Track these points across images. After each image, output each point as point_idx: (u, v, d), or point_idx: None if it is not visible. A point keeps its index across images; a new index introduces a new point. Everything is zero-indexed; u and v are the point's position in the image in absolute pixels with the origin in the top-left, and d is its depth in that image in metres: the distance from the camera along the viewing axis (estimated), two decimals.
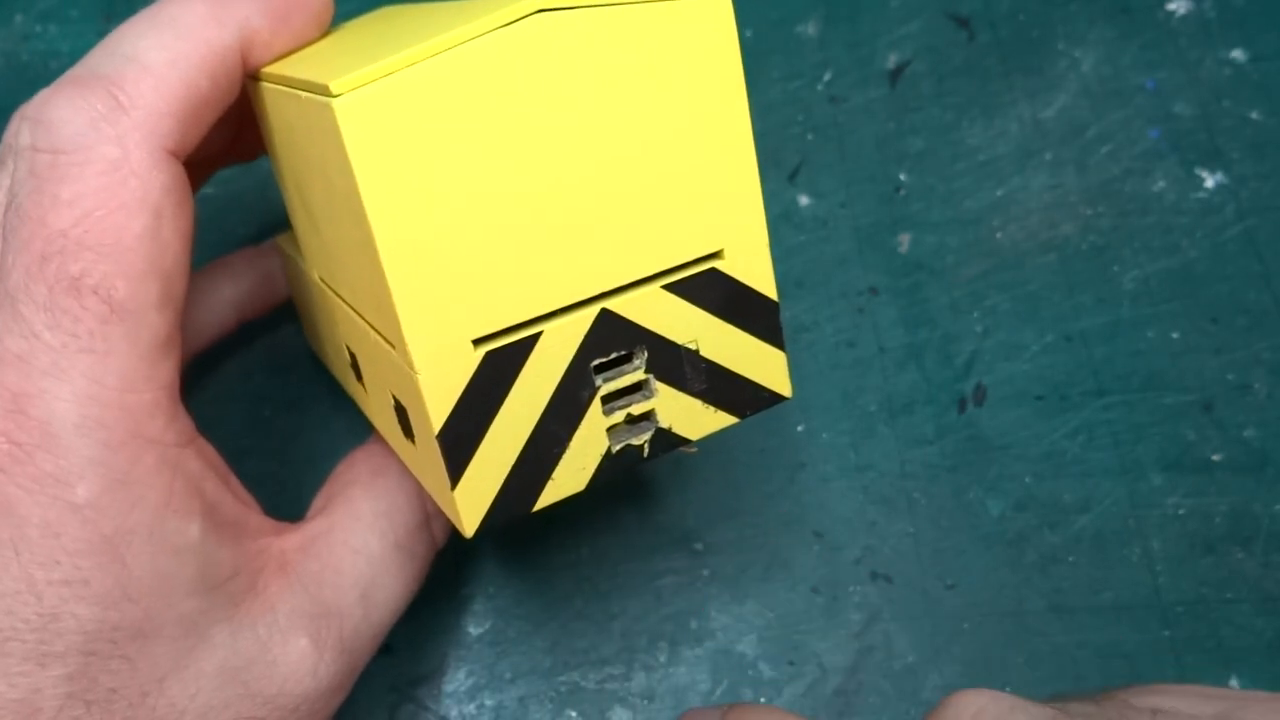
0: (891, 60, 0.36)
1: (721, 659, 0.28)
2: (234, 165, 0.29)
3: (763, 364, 0.22)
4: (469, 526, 0.20)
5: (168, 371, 0.21)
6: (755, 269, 0.21)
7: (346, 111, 0.17)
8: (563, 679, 0.28)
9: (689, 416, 0.22)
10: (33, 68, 0.35)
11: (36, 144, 0.20)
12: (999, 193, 0.34)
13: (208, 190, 0.31)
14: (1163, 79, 0.35)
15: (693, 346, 0.21)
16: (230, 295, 0.29)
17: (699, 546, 0.30)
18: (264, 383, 0.32)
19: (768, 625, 0.29)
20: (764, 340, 0.22)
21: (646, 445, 0.21)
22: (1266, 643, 0.28)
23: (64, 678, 0.19)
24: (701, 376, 0.22)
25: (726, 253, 0.21)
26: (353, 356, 0.24)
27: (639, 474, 0.31)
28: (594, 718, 0.28)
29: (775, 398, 0.23)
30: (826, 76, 0.36)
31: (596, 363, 0.20)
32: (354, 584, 0.23)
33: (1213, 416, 0.31)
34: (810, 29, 0.36)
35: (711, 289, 0.21)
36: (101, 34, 0.36)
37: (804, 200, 0.34)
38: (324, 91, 0.18)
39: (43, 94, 0.21)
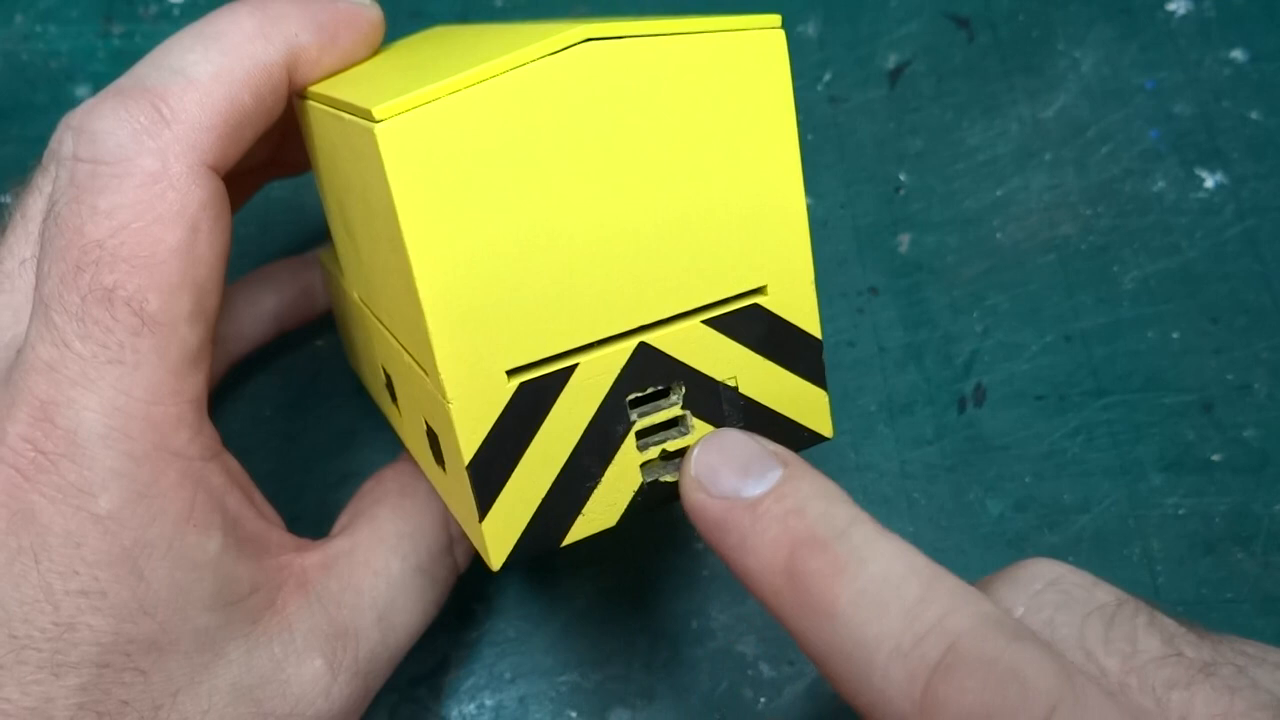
0: (891, 60, 0.36)
1: (721, 659, 0.28)
2: (282, 178, 0.29)
3: (803, 403, 0.22)
4: (496, 559, 0.20)
5: (195, 385, 0.21)
6: (800, 306, 0.21)
7: (388, 137, 0.17)
8: (563, 679, 0.28)
9: None
10: (33, 68, 0.35)
11: (78, 153, 0.20)
12: (999, 193, 0.34)
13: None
14: (1163, 79, 0.35)
15: (731, 383, 0.21)
16: (272, 306, 0.29)
17: (699, 546, 0.30)
18: (264, 382, 0.32)
19: (768, 625, 0.29)
20: (805, 379, 0.22)
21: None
22: (1266, 642, 0.28)
23: (77, 688, 0.19)
24: (739, 414, 0.21)
25: (770, 288, 0.21)
26: (388, 377, 0.24)
27: None
28: (594, 718, 0.28)
29: (815, 438, 0.22)
30: (826, 76, 0.36)
31: (632, 397, 0.20)
32: (372, 606, 0.23)
33: (1213, 416, 0.31)
34: (810, 29, 0.36)
35: (753, 325, 0.21)
36: (101, 34, 0.36)
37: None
38: (367, 116, 0.18)
39: (88, 103, 0.21)
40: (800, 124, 0.35)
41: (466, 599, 0.29)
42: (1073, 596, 0.20)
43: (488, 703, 0.28)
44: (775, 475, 0.19)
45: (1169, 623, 0.19)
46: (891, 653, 0.17)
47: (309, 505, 0.30)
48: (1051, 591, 0.20)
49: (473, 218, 0.18)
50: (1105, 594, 0.20)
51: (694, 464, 0.20)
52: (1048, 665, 0.16)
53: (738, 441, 0.20)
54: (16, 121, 0.34)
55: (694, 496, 0.19)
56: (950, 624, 0.17)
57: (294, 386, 0.32)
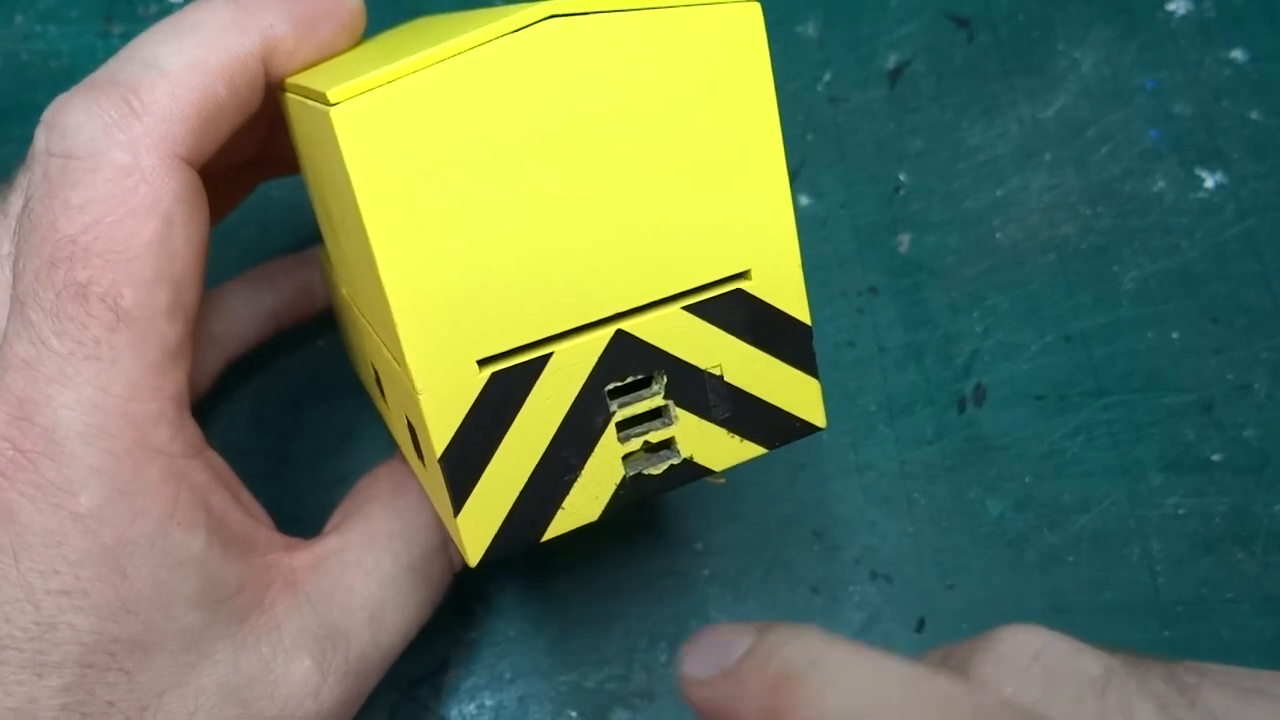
0: (891, 60, 0.36)
1: None
2: (279, 177, 0.29)
3: (794, 391, 0.21)
4: (473, 555, 0.19)
5: (176, 381, 0.20)
6: (786, 290, 0.20)
7: (343, 120, 0.17)
8: (563, 679, 0.28)
9: (713, 446, 0.21)
10: (33, 68, 0.35)
11: (50, 148, 0.20)
12: (999, 193, 0.34)
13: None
14: (1163, 79, 0.35)
15: (716, 372, 0.20)
16: (270, 304, 0.29)
17: (699, 546, 0.30)
18: (264, 382, 0.32)
19: None
20: (795, 366, 0.21)
21: (665, 475, 0.20)
22: (1266, 642, 0.28)
23: (61, 689, 0.19)
24: (726, 404, 0.20)
25: (754, 273, 0.20)
26: (376, 374, 0.23)
27: None
28: (594, 718, 0.28)
29: (808, 428, 0.21)
30: (826, 76, 0.36)
31: (611, 387, 0.20)
32: (363, 605, 0.23)
33: (1213, 416, 0.31)
34: (810, 29, 0.36)
35: (737, 311, 0.20)
36: (101, 34, 0.36)
37: (804, 200, 0.34)
38: (323, 100, 0.17)
39: (60, 98, 0.21)
40: (800, 124, 0.35)
41: (466, 599, 0.29)
42: (1061, 672, 0.19)
43: (488, 703, 0.28)
44: (749, 639, 0.18)
45: (1156, 685, 0.19)
46: None
47: (309, 505, 0.30)
48: (1038, 666, 0.19)
49: (437, 202, 0.18)
50: (1092, 663, 0.19)
51: (684, 665, 0.19)
52: None
53: (714, 628, 0.19)
54: (16, 121, 0.34)
55: (691, 693, 0.19)
56: None
57: (294, 386, 0.32)
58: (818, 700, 0.17)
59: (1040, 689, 0.19)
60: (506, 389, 0.19)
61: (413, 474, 0.25)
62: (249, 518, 0.22)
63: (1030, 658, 0.19)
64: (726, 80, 0.19)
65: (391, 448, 0.30)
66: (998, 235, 0.33)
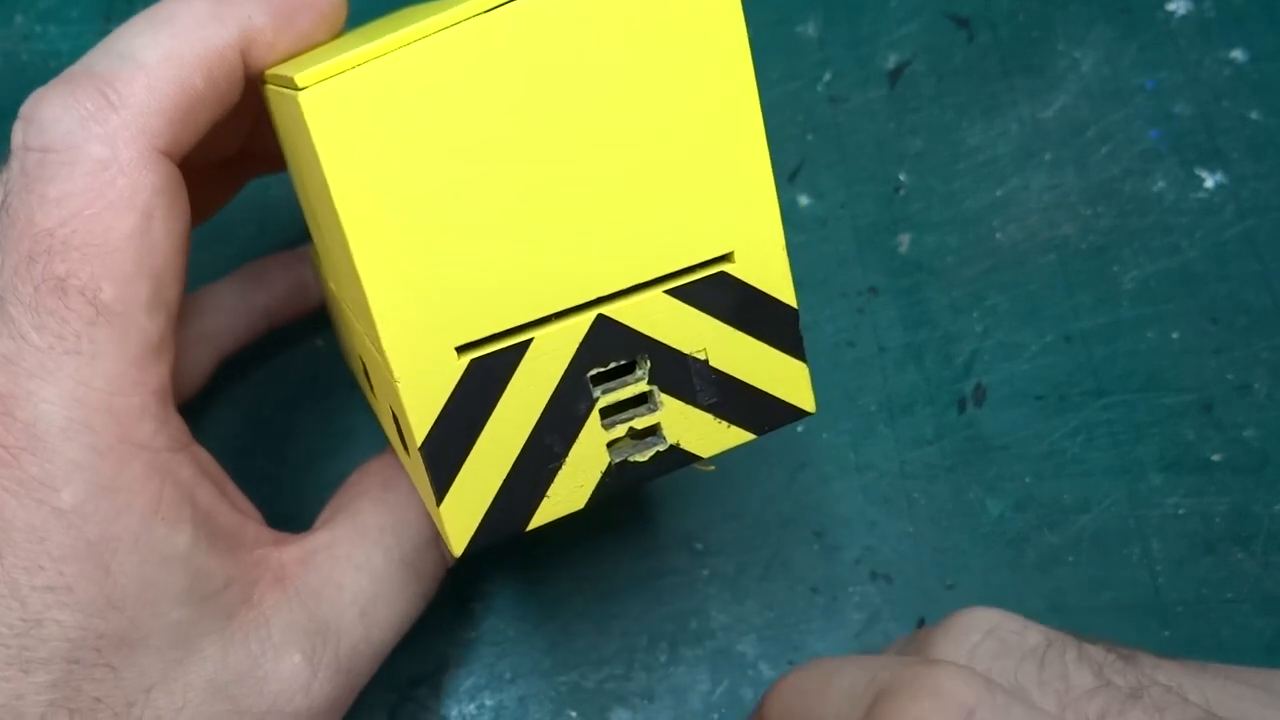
0: (891, 60, 0.36)
1: (721, 659, 0.28)
2: (268, 174, 0.29)
3: (781, 376, 0.21)
4: (457, 544, 0.19)
5: (159, 376, 0.20)
6: (770, 272, 0.20)
7: (312, 104, 0.17)
8: (563, 679, 0.28)
9: (700, 432, 0.20)
10: (33, 68, 0.35)
11: (28, 142, 0.20)
12: (999, 193, 0.34)
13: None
14: (1163, 79, 0.35)
15: (701, 356, 0.20)
16: (262, 301, 0.29)
17: (699, 546, 0.30)
18: (262, 382, 0.32)
19: (768, 625, 0.29)
20: (782, 350, 0.21)
21: (651, 462, 0.20)
22: (1266, 642, 0.28)
23: (47, 685, 0.19)
24: (712, 389, 0.20)
25: (738, 255, 0.20)
26: (364, 367, 0.23)
27: None
28: (594, 718, 0.28)
29: (796, 412, 0.21)
30: (826, 76, 0.36)
31: (594, 373, 0.19)
32: (354, 600, 0.23)
33: (1213, 416, 0.31)
34: (810, 29, 0.36)
35: (721, 294, 0.20)
36: (101, 34, 0.36)
37: (804, 200, 0.34)
38: (293, 85, 0.17)
39: (37, 92, 0.20)
40: (800, 124, 0.35)
41: (465, 598, 0.29)
42: (1007, 644, 0.20)
43: (488, 703, 0.28)
44: None
45: (1097, 653, 0.20)
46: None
47: (307, 505, 0.30)
48: (989, 641, 0.21)
49: (410, 187, 0.17)
50: (1035, 636, 0.21)
51: None
52: (967, 678, 0.18)
53: None
54: None
55: None
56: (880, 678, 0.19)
57: (293, 386, 0.32)
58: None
59: (989, 661, 0.20)
60: (487, 376, 0.19)
61: (403, 469, 0.25)
62: (236, 512, 0.22)
63: (982, 634, 0.21)
64: (704, 59, 0.18)
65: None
66: (998, 235, 0.33)
